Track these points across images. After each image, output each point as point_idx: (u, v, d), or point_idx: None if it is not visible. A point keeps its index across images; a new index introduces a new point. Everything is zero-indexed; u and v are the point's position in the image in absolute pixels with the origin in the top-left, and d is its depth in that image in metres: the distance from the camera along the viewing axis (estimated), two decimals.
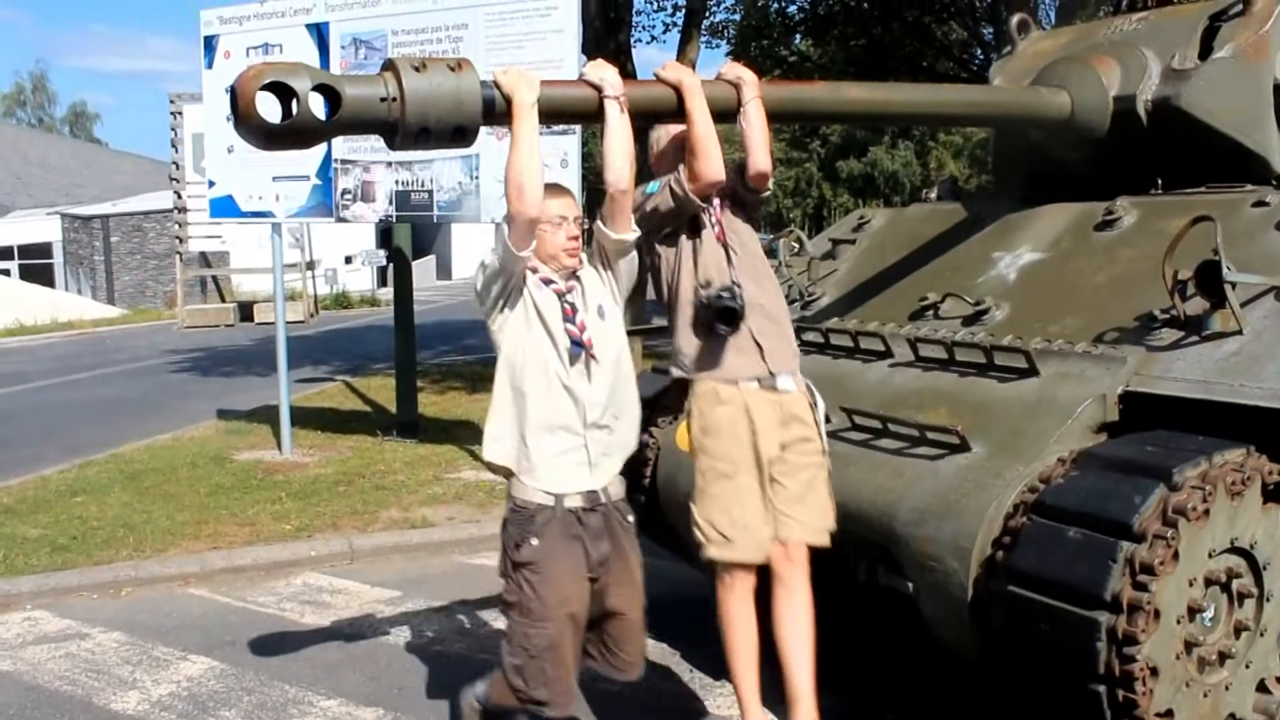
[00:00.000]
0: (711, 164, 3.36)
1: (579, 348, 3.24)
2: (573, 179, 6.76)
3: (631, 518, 3.44)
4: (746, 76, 3.48)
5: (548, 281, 3.30)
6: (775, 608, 3.52)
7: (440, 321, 22.29)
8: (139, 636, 5.13)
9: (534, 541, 3.23)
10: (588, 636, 3.40)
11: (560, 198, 3.33)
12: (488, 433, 3.33)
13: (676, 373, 3.68)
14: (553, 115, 3.19)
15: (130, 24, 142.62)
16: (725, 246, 3.59)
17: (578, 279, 3.35)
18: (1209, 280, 3.42)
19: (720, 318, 3.42)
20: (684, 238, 3.62)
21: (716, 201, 3.61)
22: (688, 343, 3.59)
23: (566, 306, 3.27)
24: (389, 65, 2.90)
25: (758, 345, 3.53)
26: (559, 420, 3.24)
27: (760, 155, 3.54)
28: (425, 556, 6.37)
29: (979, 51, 21.46)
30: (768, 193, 3.71)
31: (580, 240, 3.39)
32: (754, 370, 3.53)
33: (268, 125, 2.76)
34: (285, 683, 4.58)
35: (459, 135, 3.02)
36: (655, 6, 20.67)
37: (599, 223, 3.34)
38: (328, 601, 5.62)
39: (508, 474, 3.32)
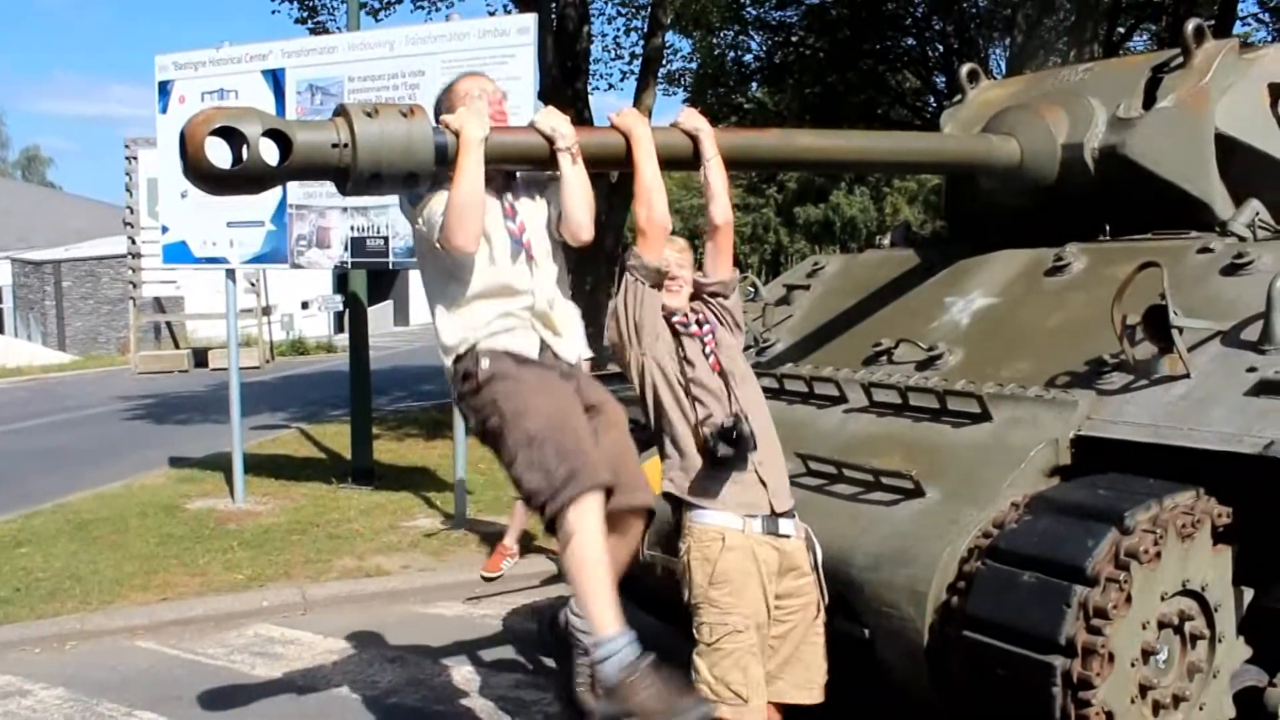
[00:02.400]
0: (657, 211, 3.29)
1: (519, 245, 3.25)
2: None
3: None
4: (704, 127, 3.44)
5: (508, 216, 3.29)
6: None
7: (397, 367, 22.16)
8: (83, 692, 4.99)
9: (484, 363, 3.14)
10: None
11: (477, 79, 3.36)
12: (443, 341, 3.25)
13: (669, 487, 3.31)
14: (501, 160, 3.17)
15: (92, 69, 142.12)
16: (724, 375, 3.35)
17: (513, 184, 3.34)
18: (1157, 325, 3.47)
19: (728, 448, 3.13)
20: (676, 365, 3.34)
21: (706, 326, 3.43)
22: (684, 467, 3.28)
23: (506, 206, 3.27)
24: (341, 111, 2.89)
25: (761, 481, 3.24)
26: (505, 305, 3.21)
27: (722, 204, 3.46)
28: (380, 606, 6.28)
29: (932, 100, 21.80)
30: (737, 278, 3.58)
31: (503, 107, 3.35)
32: (758, 507, 3.22)
33: (217, 171, 2.74)
34: None
35: (411, 181, 3.01)
36: (613, 55, 20.85)
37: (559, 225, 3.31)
38: (280, 653, 5.51)
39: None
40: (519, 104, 7.07)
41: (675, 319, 3.41)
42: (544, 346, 3.26)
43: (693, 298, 3.54)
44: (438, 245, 3.11)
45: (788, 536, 3.27)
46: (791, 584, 3.26)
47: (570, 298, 3.46)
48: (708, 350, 3.38)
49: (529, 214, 3.33)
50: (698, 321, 3.44)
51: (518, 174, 3.38)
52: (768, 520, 3.23)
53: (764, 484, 3.24)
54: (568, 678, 3.33)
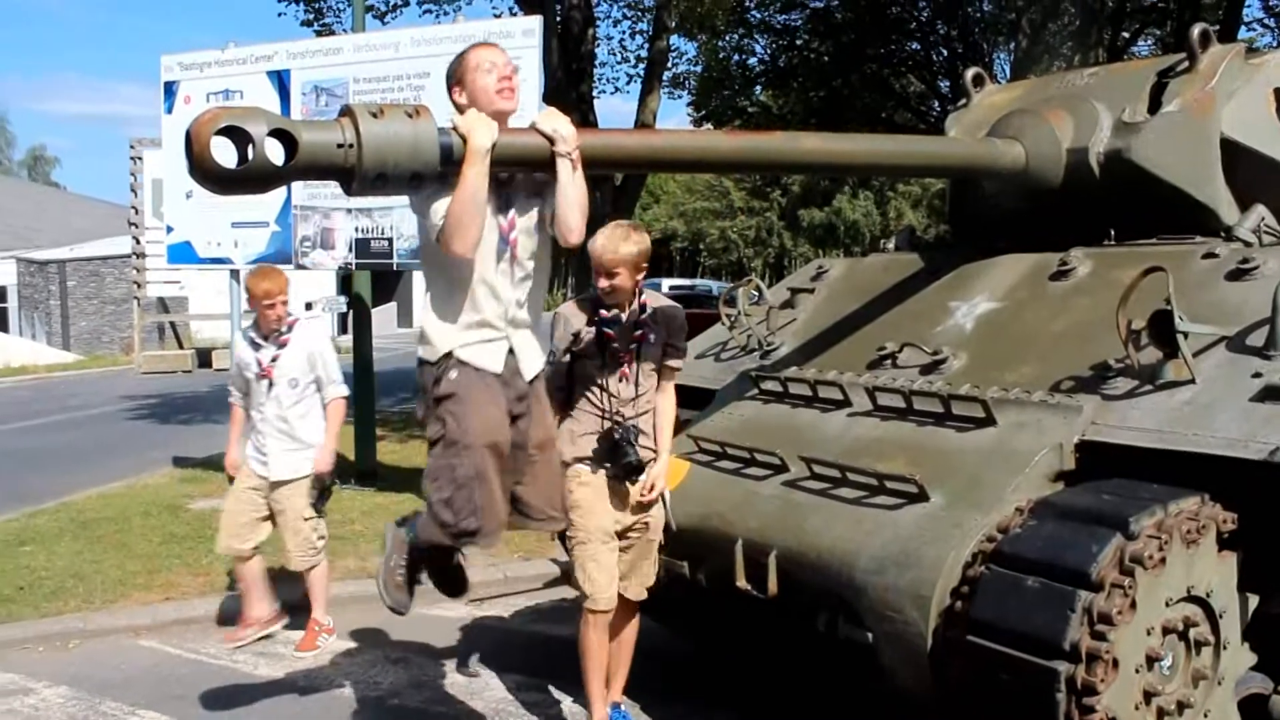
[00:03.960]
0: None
1: (505, 243, 3.32)
2: None
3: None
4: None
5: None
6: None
7: (401, 369, 22.08)
8: (86, 691, 4.99)
9: (453, 374, 3.34)
10: (513, 493, 3.51)
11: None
12: (425, 332, 3.44)
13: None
14: (506, 163, 3.18)
15: (97, 70, 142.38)
16: (636, 385, 4.06)
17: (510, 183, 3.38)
18: (1162, 330, 3.46)
19: (622, 465, 3.99)
20: (597, 359, 4.03)
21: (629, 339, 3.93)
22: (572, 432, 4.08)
23: (500, 199, 3.31)
24: (346, 111, 2.89)
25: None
26: (482, 310, 3.36)
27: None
28: (382, 607, 6.21)
29: (936, 104, 21.79)
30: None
31: (514, 84, 3.36)
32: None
33: (222, 170, 2.74)
34: None
35: (416, 181, 3.01)
36: (619, 58, 20.86)
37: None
38: (282, 653, 5.51)
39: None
40: (524, 107, 7.07)
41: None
42: (510, 353, 3.45)
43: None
44: (435, 242, 3.21)
45: (634, 483, 4.03)
46: (634, 517, 4.10)
47: (541, 307, 3.60)
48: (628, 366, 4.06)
49: (520, 212, 3.38)
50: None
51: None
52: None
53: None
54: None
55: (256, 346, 5.47)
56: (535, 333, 3.55)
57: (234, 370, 5.63)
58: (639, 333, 4.05)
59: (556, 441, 3.77)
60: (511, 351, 3.45)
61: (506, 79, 3.32)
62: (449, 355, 3.36)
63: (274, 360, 5.41)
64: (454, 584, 3.70)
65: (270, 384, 5.40)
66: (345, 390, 5.61)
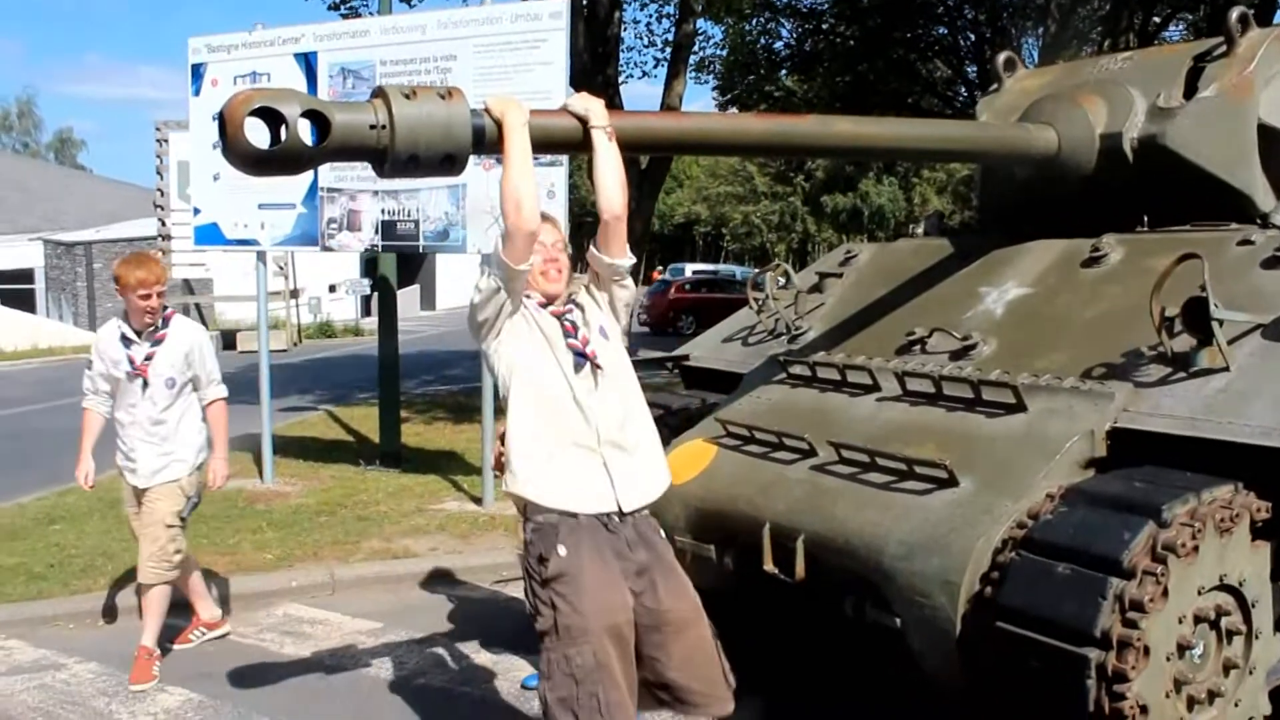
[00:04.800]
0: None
1: (583, 359, 3.20)
2: (560, 210, 6.75)
3: (663, 534, 3.30)
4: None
5: (544, 305, 3.29)
6: None
7: (424, 352, 22.23)
8: (115, 667, 5.03)
9: (561, 550, 3.03)
10: (649, 674, 3.14)
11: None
12: (510, 466, 3.16)
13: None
14: (537, 145, 3.18)
15: (125, 53, 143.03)
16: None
17: (575, 303, 3.34)
18: (1196, 317, 3.44)
19: None
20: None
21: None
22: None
23: (567, 324, 3.25)
24: (379, 92, 2.89)
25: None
26: (573, 438, 3.13)
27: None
28: (407, 588, 6.31)
29: (963, 89, 21.66)
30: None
31: (560, 264, 3.35)
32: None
33: (256, 150, 2.74)
34: (264, 715, 4.51)
35: (448, 163, 3.00)
36: (645, 42, 20.81)
37: (593, 248, 3.32)
38: (308, 632, 5.55)
39: (525, 505, 3.16)
40: (550, 89, 7.08)
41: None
42: (610, 485, 3.12)
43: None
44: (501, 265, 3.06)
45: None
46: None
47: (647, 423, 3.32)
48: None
49: (587, 324, 3.29)
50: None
51: (576, 300, 3.35)
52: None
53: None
54: None
55: (128, 343, 4.94)
56: (645, 458, 3.26)
57: (97, 368, 5.03)
58: None
59: (702, 615, 3.25)
60: (613, 484, 3.14)
61: (554, 260, 3.31)
62: (546, 517, 3.08)
63: (149, 359, 4.91)
64: None
65: (145, 384, 4.91)
66: (225, 391, 5.19)
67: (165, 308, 5.02)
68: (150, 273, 4.85)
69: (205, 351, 5.12)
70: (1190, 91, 4.38)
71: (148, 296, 4.86)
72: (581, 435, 3.14)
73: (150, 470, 4.95)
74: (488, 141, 3.04)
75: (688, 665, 3.16)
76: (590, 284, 3.40)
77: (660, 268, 46.86)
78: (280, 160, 2.82)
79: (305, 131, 2.78)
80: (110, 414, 5.07)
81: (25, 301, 33.93)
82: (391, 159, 2.89)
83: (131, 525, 5.16)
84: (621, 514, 3.15)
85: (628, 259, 3.33)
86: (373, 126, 2.84)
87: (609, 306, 3.40)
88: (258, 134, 2.75)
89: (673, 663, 3.14)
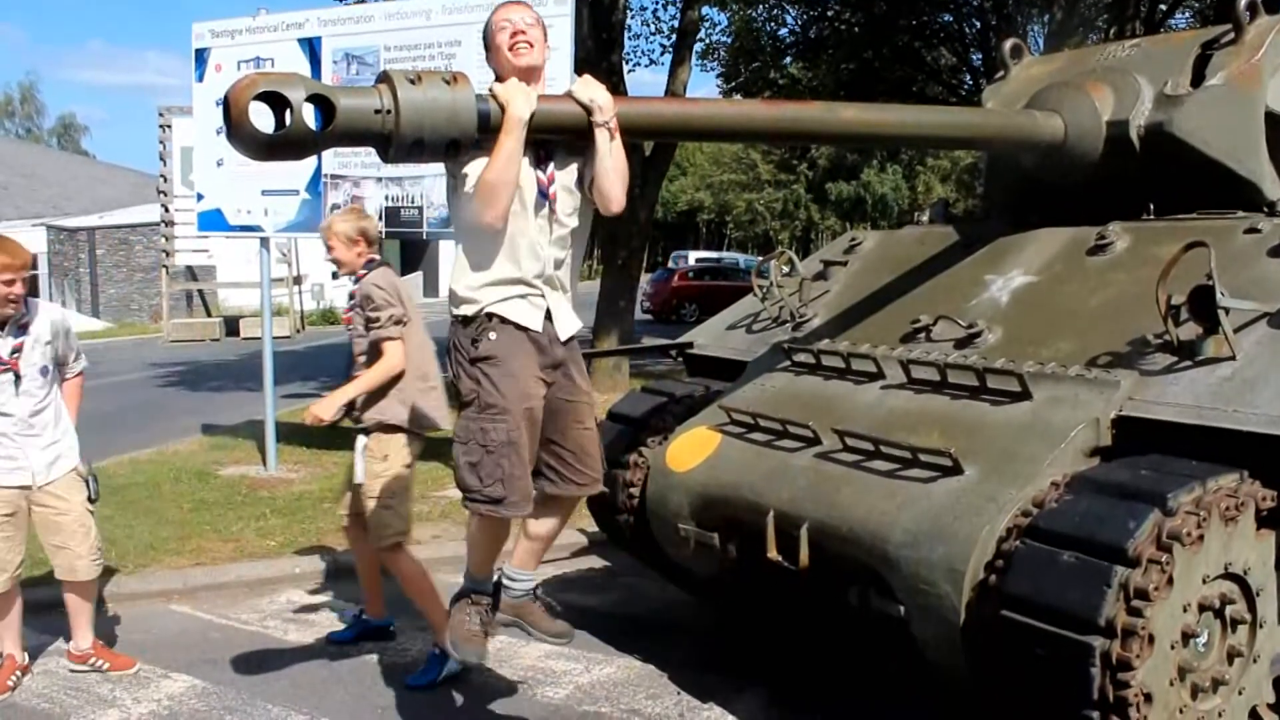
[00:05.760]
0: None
1: (544, 198, 3.29)
2: None
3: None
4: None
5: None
6: None
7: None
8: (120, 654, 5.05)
9: (492, 335, 3.31)
10: (543, 456, 3.48)
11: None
12: (455, 287, 3.40)
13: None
14: (542, 131, 3.17)
15: (128, 39, 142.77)
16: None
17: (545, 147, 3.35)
18: (1202, 305, 3.42)
19: None
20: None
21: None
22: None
23: (540, 152, 3.30)
24: (384, 77, 2.88)
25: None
26: (520, 271, 3.32)
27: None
28: None
29: (968, 77, 21.60)
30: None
31: (530, 38, 3.33)
32: None
33: (260, 135, 2.74)
34: (268, 701, 4.53)
35: (453, 149, 3.00)
36: (652, 29, 20.76)
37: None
38: (311, 619, 5.56)
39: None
40: (556, 77, 7.05)
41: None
42: (547, 316, 3.40)
43: None
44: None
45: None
46: None
47: (578, 274, 3.56)
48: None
49: (560, 166, 3.35)
50: None
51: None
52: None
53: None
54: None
55: None
56: (569, 299, 3.51)
57: None
58: None
59: (595, 408, 3.67)
60: (549, 314, 3.41)
61: (520, 33, 3.31)
62: (490, 315, 3.33)
63: (17, 351, 4.51)
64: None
65: (17, 378, 4.51)
66: (85, 363, 4.93)
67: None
68: (13, 257, 4.44)
69: (70, 329, 4.81)
70: (1198, 79, 4.36)
71: (11, 283, 4.43)
72: (529, 269, 3.33)
73: (43, 465, 4.60)
74: (493, 127, 3.04)
75: (578, 449, 3.53)
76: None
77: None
78: (285, 145, 2.82)
79: (310, 116, 2.77)
80: None
81: (29, 288, 33.87)
82: (396, 144, 2.89)
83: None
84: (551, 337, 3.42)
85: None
86: (378, 111, 2.83)
87: (578, 173, 3.39)
88: (263, 119, 2.75)
89: (567, 445, 3.51)
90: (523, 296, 3.35)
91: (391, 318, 4.65)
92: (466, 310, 3.37)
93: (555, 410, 3.45)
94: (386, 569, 4.91)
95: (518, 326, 3.34)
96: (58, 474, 4.65)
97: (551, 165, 3.33)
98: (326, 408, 4.67)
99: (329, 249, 4.91)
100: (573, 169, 3.38)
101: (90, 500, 4.77)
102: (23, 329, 4.55)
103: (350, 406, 4.73)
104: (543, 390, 3.39)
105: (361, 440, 4.78)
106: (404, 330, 4.70)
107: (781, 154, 42.86)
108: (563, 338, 3.46)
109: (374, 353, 4.69)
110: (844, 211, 55.38)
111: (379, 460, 4.74)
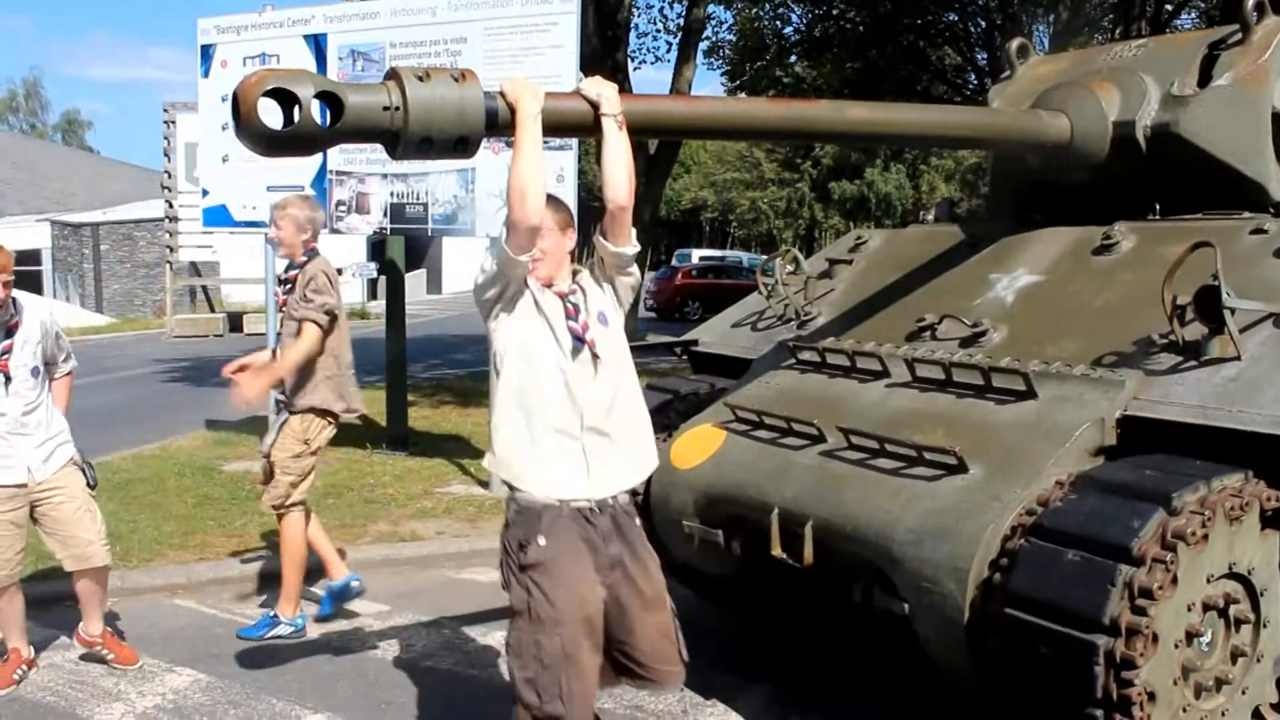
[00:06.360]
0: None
1: (580, 343, 3.18)
2: (569, 194, 6.75)
3: (639, 521, 3.33)
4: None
5: (549, 285, 3.26)
6: None
7: (431, 335, 22.25)
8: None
9: (541, 540, 3.08)
10: (617, 654, 3.23)
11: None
12: (494, 441, 3.23)
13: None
14: (549, 128, 3.17)
15: (133, 33, 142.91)
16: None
17: (579, 285, 3.32)
18: (1208, 306, 3.42)
19: None
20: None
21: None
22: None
23: (569, 306, 3.23)
24: (392, 74, 2.88)
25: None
26: (556, 423, 3.13)
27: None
28: (414, 570, 6.33)
29: (972, 76, 21.59)
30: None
31: (544, 251, 3.25)
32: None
33: (269, 131, 2.74)
34: (272, 696, 4.54)
35: (461, 146, 3.00)
36: (659, 27, 20.76)
37: (599, 236, 3.30)
38: (315, 613, 5.56)
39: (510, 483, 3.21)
40: (561, 73, 7.07)
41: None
42: (586, 472, 3.13)
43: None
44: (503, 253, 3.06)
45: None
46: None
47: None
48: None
49: (591, 307, 3.27)
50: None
51: (580, 282, 3.33)
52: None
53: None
54: None
55: None
56: (628, 427, 3.26)
57: None
58: None
59: (666, 599, 3.33)
60: (587, 470, 3.15)
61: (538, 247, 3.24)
62: (538, 515, 3.11)
63: (6, 353, 4.48)
64: None
65: (7, 379, 4.49)
66: (75, 363, 4.98)
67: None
68: None
69: (60, 331, 4.80)
70: (1204, 80, 4.36)
71: None
72: (565, 421, 3.14)
73: (38, 462, 4.60)
74: (501, 124, 3.03)
75: (650, 646, 3.27)
76: (595, 267, 3.38)
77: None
78: (293, 141, 2.82)
79: (319, 113, 2.78)
80: None
81: (32, 283, 33.95)
82: (405, 141, 2.89)
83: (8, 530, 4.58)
84: (600, 504, 3.17)
85: (633, 247, 3.30)
86: (386, 108, 2.83)
87: (612, 293, 3.37)
88: (271, 115, 2.75)
89: (638, 644, 3.25)
90: (560, 450, 3.14)
91: (324, 305, 5.00)
92: (501, 473, 3.21)
93: (619, 610, 3.20)
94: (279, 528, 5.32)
95: (565, 506, 3.12)
96: (54, 468, 4.68)
97: (583, 315, 3.23)
98: (254, 390, 4.85)
99: (276, 226, 5.10)
100: (601, 298, 3.31)
101: (90, 486, 4.81)
102: (11, 330, 4.53)
103: (283, 391, 5.08)
104: (601, 594, 3.14)
105: (284, 416, 5.16)
106: (332, 324, 5.08)
107: (785, 152, 42.85)
108: (599, 494, 3.17)
109: (297, 333, 4.97)
110: (848, 210, 55.30)
111: (298, 441, 5.14)
